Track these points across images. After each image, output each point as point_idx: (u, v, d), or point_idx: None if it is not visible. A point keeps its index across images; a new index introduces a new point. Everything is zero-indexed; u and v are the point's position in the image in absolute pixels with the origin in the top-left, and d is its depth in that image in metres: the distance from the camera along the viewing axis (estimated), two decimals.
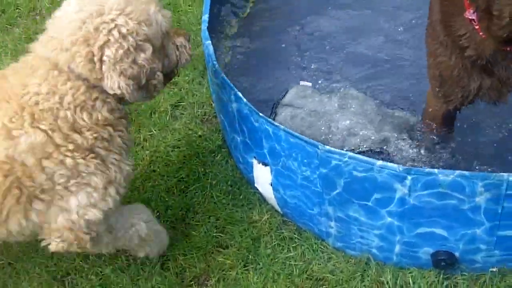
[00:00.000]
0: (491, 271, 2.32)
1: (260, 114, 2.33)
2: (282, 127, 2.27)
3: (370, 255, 2.42)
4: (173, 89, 3.18)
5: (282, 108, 2.88)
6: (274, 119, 2.75)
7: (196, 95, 3.14)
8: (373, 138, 2.71)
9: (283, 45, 3.21)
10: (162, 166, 2.85)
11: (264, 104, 2.87)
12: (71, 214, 2.06)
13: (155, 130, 3.00)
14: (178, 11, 3.61)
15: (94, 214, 2.08)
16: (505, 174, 2.03)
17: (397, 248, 2.33)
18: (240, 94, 2.40)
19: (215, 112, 3.02)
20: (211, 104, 3.07)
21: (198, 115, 3.05)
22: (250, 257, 2.48)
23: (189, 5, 3.62)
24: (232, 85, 2.44)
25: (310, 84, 2.98)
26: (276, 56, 3.16)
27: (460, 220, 2.17)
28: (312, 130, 2.76)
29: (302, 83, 2.99)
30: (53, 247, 2.13)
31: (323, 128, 2.76)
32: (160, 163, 2.86)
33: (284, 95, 2.93)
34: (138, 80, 2.01)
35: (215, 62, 2.54)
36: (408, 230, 2.25)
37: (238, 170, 2.78)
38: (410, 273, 2.36)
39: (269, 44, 3.24)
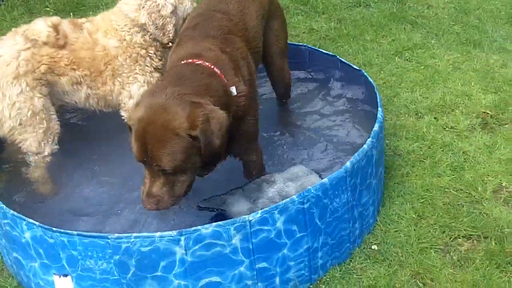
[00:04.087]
0: None
1: (54, 228, 2.83)
2: (75, 232, 2.80)
3: None
4: None
5: None
6: None
7: None
8: None
9: None
10: None
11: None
12: None
13: None
14: None
15: None
16: (247, 216, 2.85)
17: None
18: (32, 220, 2.88)
19: (3, 265, 3.36)
20: None
21: None
22: None
23: None
24: (22, 216, 2.91)
25: None
26: None
27: (226, 264, 2.88)
28: None
29: None
30: None
31: None
32: None
33: None
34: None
35: (1, 205, 3.00)
36: (193, 286, 2.88)
37: None
38: None
39: None
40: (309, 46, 4.63)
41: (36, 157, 3.62)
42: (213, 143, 2.74)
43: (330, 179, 3.07)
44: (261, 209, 2.90)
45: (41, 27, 3.58)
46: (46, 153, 3.64)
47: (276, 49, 3.84)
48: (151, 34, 3.67)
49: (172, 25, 3.67)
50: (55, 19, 3.66)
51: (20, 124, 3.51)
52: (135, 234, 2.77)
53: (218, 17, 3.36)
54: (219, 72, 3.00)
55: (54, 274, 2.94)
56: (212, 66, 3.00)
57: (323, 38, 5.70)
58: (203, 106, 2.74)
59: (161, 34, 3.64)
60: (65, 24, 3.64)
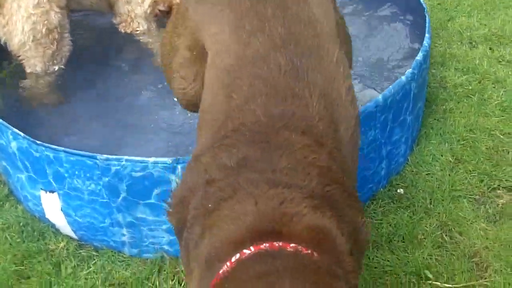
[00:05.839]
0: None
1: (38, 142, 2.55)
2: (61, 148, 2.52)
3: (164, 252, 2.70)
4: None
5: None
6: None
7: None
8: None
9: None
10: None
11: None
12: None
13: None
14: None
15: None
16: None
17: None
18: (17, 130, 2.61)
19: None
20: None
21: None
22: (52, 280, 2.62)
23: None
24: (7, 124, 2.64)
25: None
26: None
27: None
28: None
29: None
30: None
31: None
32: None
33: None
34: None
35: None
36: None
37: (29, 213, 2.92)
38: None
39: None
40: None
41: (37, 76, 3.27)
42: None
43: None
44: None
45: None
46: (49, 74, 3.27)
47: None
48: None
49: None
50: None
51: (32, 41, 3.13)
52: (126, 157, 2.47)
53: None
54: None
55: (41, 189, 2.70)
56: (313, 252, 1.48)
57: None
58: None
59: None
60: None
